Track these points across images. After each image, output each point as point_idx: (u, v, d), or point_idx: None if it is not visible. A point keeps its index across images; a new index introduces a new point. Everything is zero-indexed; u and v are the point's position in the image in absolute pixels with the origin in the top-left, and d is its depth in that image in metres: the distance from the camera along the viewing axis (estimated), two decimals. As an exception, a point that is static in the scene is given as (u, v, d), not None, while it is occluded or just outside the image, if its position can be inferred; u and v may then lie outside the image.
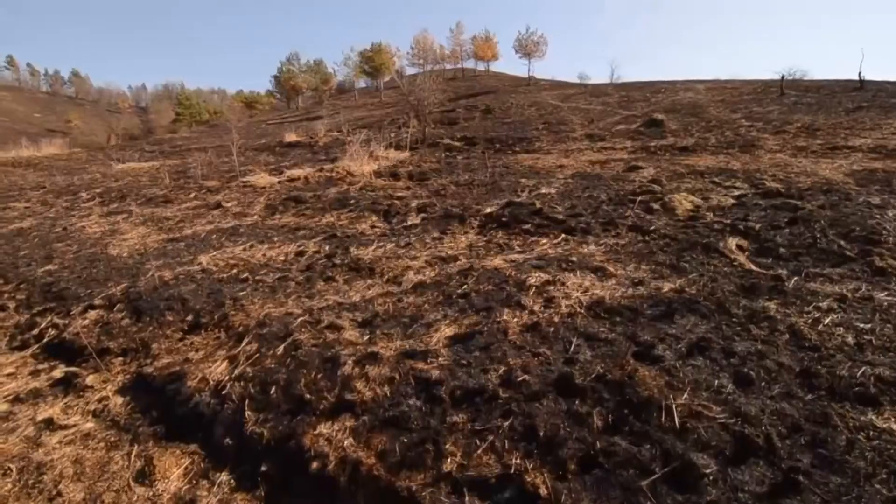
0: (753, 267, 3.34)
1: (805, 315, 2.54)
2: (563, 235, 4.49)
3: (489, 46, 46.47)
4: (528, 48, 39.10)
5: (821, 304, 2.64)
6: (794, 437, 1.70)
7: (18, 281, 4.51)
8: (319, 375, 2.38)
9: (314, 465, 1.90)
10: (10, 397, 2.72)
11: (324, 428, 2.05)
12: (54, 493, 1.98)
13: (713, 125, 12.20)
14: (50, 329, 3.50)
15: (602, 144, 11.42)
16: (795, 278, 3.04)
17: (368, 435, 1.97)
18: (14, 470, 2.11)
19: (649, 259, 3.65)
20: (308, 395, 2.26)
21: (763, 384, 2.00)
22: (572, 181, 7.11)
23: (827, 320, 2.46)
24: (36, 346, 3.35)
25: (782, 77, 17.48)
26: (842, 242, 3.59)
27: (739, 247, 3.74)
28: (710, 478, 1.55)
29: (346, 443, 1.95)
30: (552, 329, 2.61)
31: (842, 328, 2.39)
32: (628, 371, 2.11)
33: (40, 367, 3.09)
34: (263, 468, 1.99)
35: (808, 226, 4.03)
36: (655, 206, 5.17)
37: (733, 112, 13.86)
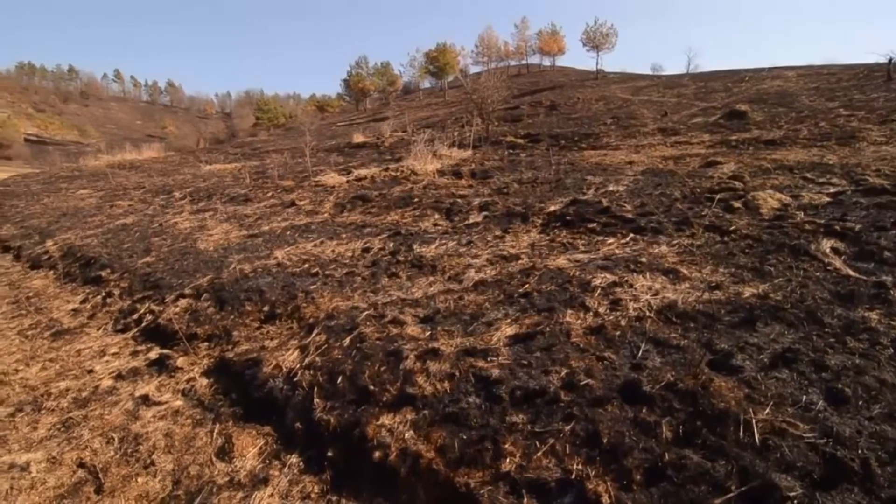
0: (851, 272, 3.00)
1: (915, 328, 2.25)
2: (631, 235, 4.29)
3: (555, 41, 45.48)
4: (596, 41, 37.60)
5: (935, 317, 2.32)
6: (899, 464, 1.51)
7: (122, 271, 5.07)
8: (383, 368, 2.46)
9: (376, 454, 1.97)
10: (114, 374, 3.07)
11: (386, 419, 2.12)
12: (148, 461, 2.21)
13: (805, 115, 11.09)
14: (147, 315, 3.91)
15: (676, 139, 10.77)
16: (904, 286, 2.69)
17: (428, 429, 2.00)
18: (116, 439, 2.38)
19: (728, 261, 3.40)
20: (372, 387, 2.34)
21: (860, 403, 1.80)
22: (643, 178, 6.77)
23: (943, 335, 2.17)
24: (136, 330, 3.75)
25: (890, 60, 15.49)
26: (964, 246, 3.13)
27: (835, 250, 3.38)
28: (795, 501, 1.42)
29: (406, 435, 2.00)
30: (618, 333, 2.51)
31: (962, 344, 2.09)
32: (702, 380, 1.99)
33: (139, 348, 3.46)
34: (330, 454, 2.09)
35: (921, 227, 3.56)
36: (736, 204, 4.80)
37: (829, 101, 12.53)
